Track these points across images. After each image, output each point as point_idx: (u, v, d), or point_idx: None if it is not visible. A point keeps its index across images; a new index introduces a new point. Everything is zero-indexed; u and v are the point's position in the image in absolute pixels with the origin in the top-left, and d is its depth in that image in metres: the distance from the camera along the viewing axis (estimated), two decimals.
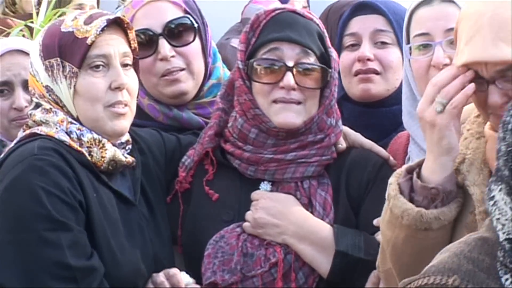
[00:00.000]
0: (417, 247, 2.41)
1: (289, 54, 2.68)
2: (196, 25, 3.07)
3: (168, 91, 3.10)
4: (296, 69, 2.68)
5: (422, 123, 2.42)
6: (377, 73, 3.09)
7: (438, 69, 2.77)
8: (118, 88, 2.71)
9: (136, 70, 2.84)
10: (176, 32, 3.10)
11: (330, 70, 2.75)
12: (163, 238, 2.83)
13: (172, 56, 3.09)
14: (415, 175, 2.41)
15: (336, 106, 2.86)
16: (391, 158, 2.79)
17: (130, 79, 2.75)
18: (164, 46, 3.08)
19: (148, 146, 2.89)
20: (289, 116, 2.69)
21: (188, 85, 3.07)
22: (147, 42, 3.10)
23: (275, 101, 2.69)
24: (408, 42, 2.90)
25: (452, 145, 2.39)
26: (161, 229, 2.83)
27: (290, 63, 2.66)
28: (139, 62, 2.92)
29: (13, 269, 2.55)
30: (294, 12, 2.82)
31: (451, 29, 2.69)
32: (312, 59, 2.70)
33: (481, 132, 2.48)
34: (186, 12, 3.12)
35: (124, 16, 3.14)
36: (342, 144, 2.81)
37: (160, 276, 2.68)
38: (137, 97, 3.03)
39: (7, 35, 4.87)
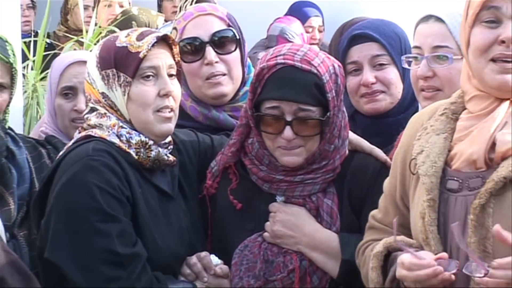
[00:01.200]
0: None
1: (287, 109, 2.67)
2: (237, 37, 3.12)
3: (210, 93, 3.13)
4: (294, 122, 2.67)
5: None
6: (381, 91, 3.08)
7: (422, 79, 2.80)
8: (166, 95, 2.74)
9: (179, 80, 2.84)
10: (220, 42, 3.14)
11: (327, 114, 2.70)
12: (197, 227, 2.85)
13: (216, 62, 3.12)
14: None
15: (346, 123, 2.84)
16: (388, 160, 2.75)
17: (175, 87, 2.78)
18: (210, 53, 3.11)
19: (184, 145, 2.90)
20: (291, 159, 2.71)
21: (228, 88, 3.12)
22: (195, 49, 3.14)
23: (279, 147, 2.70)
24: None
25: None
26: (195, 219, 2.85)
27: (289, 118, 2.66)
28: (181, 72, 2.95)
29: (69, 254, 2.57)
30: (293, 66, 2.75)
31: (438, 46, 2.77)
32: (309, 110, 2.67)
33: (442, 129, 2.46)
34: (229, 25, 3.17)
35: (176, 27, 3.25)
36: (346, 151, 2.80)
37: (193, 258, 2.70)
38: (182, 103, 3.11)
39: (61, 49, 4.93)
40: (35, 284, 2.49)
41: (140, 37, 2.76)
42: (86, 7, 6.03)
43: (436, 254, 2.36)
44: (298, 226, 2.72)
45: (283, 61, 2.75)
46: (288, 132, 2.67)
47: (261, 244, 2.75)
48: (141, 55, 2.72)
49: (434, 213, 2.41)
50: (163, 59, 2.78)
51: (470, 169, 2.40)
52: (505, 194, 2.32)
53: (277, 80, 2.72)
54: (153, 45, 2.75)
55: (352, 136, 2.83)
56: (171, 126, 2.78)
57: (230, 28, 3.16)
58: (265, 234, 2.73)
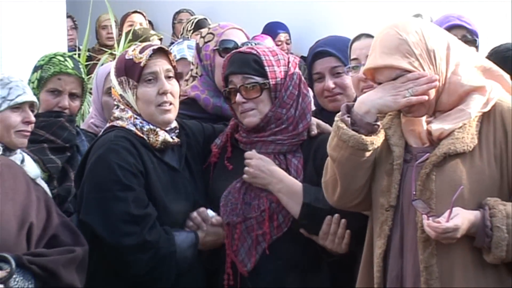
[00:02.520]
0: (355, 162, 2.39)
1: (236, 81, 2.73)
2: None
3: None
4: (241, 88, 2.72)
5: (386, 88, 2.38)
6: (339, 93, 3.04)
7: (362, 81, 2.78)
8: (164, 93, 2.73)
9: (178, 80, 2.84)
10: None
11: (265, 80, 2.71)
12: (200, 192, 2.83)
13: None
14: (358, 116, 2.37)
15: (306, 100, 2.79)
16: (336, 115, 2.65)
17: (172, 86, 2.78)
18: None
19: (192, 132, 2.89)
20: (248, 120, 2.73)
21: None
22: (233, 49, 3.03)
23: (240, 113, 2.74)
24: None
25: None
26: (199, 185, 2.83)
27: (238, 86, 2.72)
28: (180, 75, 2.95)
29: (96, 216, 2.62)
30: (240, 52, 2.83)
31: None
32: (251, 78, 2.71)
33: (397, 114, 2.45)
34: (247, 38, 3.21)
35: (212, 32, 3.19)
36: (314, 131, 2.78)
37: (194, 213, 2.72)
38: (197, 93, 3.12)
39: (98, 60, 4.99)
40: (82, 240, 2.48)
41: (142, 50, 2.77)
42: (104, 27, 6.05)
43: (392, 198, 2.37)
44: (269, 170, 2.70)
45: (236, 51, 2.85)
46: (239, 97, 2.71)
47: (240, 190, 2.74)
48: (142, 64, 2.72)
49: (398, 174, 2.39)
50: (160, 65, 2.76)
51: (417, 145, 2.41)
52: (445, 165, 2.32)
53: (230, 61, 2.79)
54: (151, 56, 2.74)
55: (321, 123, 2.83)
56: (170, 115, 2.78)
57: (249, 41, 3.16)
58: (244, 176, 2.72)
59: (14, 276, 2.24)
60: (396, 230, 2.39)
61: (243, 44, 3.03)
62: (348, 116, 2.39)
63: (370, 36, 2.76)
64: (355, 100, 2.59)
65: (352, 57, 2.80)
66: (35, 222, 2.37)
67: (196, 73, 3.19)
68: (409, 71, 2.32)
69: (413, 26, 2.38)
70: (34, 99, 2.87)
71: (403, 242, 2.37)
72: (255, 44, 3.06)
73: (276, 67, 2.74)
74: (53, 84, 3.12)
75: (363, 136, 2.34)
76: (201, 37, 3.23)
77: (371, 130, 2.37)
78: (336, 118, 2.42)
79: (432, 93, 2.35)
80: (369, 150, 2.37)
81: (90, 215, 2.63)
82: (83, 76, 3.23)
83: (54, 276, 2.33)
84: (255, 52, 2.76)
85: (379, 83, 2.41)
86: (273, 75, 2.72)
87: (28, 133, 2.82)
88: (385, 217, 2.40)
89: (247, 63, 2.74)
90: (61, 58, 3.20)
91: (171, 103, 2.76)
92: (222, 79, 2.84)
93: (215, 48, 3.10)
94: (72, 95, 3.16)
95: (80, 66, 3.25)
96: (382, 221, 2.41)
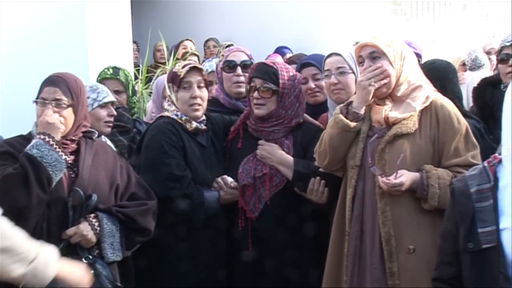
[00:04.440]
0: (341, 138, 2.42)
1: (258, 82, 2.69)
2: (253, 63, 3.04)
3: (236, 91, 3.01)
4: (259, 89, 2.69)
5: (359, 87, 2.41)
6: (318, 91, 2.98)
7: (333, 85, 2.72)
8: (194, 98, 2.73)
9: (207, 88, 2.81)
10: (245, 65, 3.02)
11: (277, 88, 2.68)
12: (221, 163, 2.80)
13: (242, 75, 3.00)
14: (350, 108, 2.42)
15: (301, 106, 2.77)
16: (321, 126, 2.75)
17: (201, 93, 2.76)
18: (239, 70, 3.02)
19: (216, 121, 2.86)
20: (258, 111, 2.70)
21: (244, 89, 2.93)
22: (232, 67, 3.03)
23: (254, 104, 2.72)
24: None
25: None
26: (220, 159, 2.81)
27: (257, 86, 2.69)
28: (210, 82, 2.90)
29: (150, 176, 2.61)
30: (265, 63, 2.82)
31: (339, 67, 2.70)
32: (268, 84, 2.68)
33: (370, 106, 2.43)
34: (249, 57, 3.10)
35: (223, 54, 3.14)
36: (301, 120, 2.77)
37: (218, 178, 2.70)
38: (216, 94, 3.09)
39: (154, 73, 5.03)
40: (152, 195, 2.49)
41: (183, 67, 2.77)
42: (159, 50, 6.04)
43: (357, 160, 2.40)
44: (273, 152, 2.68)
45: (262, 62, 2.86)
46: (256, 94, 2.69)
47: (253, 161, 2.72)
48: (181, 76, 2.73)
49: (362, 144, 2.41)
50: (194, 77, 2.74)
51: (378, 126, 2.40)
52: (394, 142, 2.33)
53: (256, 68, 2.76)
54: (188, 71, 2.73)
55: (305, 115, 2.81)
56: (198, 113, 2.75)
57: (250, 59, 3.09)
58: (257, 152, 2.71)
59: (105, 220, 2.32)
60: (360, 183, 2.42)
61: (242, 62, 3.02)
62: (345, 108, 2.44)
63: (338, 54, 2.73)
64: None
65: (325, 69, 2.76)
66: (120, 183, 2.42)
67: (216, 81, 3.17)
68: (384, 53, 2.34)
69: (399, 38, 2.44)
70: (114, 99, 2.90)
71: (364, 192, 2.40)
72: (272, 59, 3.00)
73: (287, 80, 2.71)
74: None
75: (349, 122, 2.39)
76: (218, 57, 3.24)
77: (356, 118, 2.40)
78: (336, 108, 2.47)
79: (393, 78, 2.36)
80: (351, 131, 2.41)
81: (145, 175, 2.62)
82: (120, 77, 3.25)
83: (133, 221, 2.38)
84: (275, 66, 2.75)
85: (359, 58, 2.43)
86: (283, 86, 2.70)
87: (111, 124, 2.85)
88: (352, 173, 2.43)
89: (268, 72, 2.71)
90: (105, 70, 3.32)
91: (199, 104, 2.75)
92: (247, 82, 2.81)
93: (221, 66, 3.07)
94: (116, 92, 3.19)
95: (120, 72, 3.29)
96: (351, 176, 2.44)
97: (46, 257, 1.78)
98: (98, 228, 2.30)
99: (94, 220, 2.30)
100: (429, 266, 1.97)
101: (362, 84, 2.38)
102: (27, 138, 2.34)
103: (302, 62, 3.12)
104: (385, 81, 2.36)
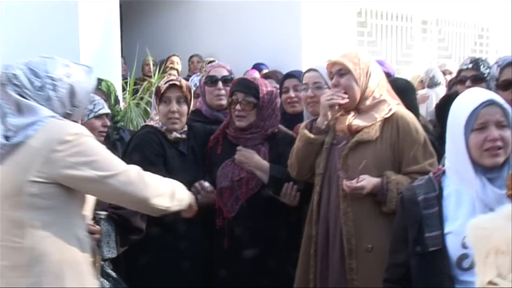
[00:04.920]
0: (306, 150, 2.44)
1: (239, 95, 2.69)
2: (232, 79, 3.04)
3: (217, 103, 3.00)
4: (241, 102, 2.68)
5: (322, 105, 2.43)
6: (297, 102, 3.01)
7: (309, 98, 2.71)
8: (172, 112, 2.67)
9: (188, 104, 2.74)
10: (225, 79, 3.01)
11: (257, 102, 2.66)
12: (201, 170, 2.76)
13: (222, 89, 2.99)
14: (314, 123, 2.44)
15: (276, 117, 2.75)
16: (294, 135, 2.73)
17: (180, 108, 2.70)
18: (220, 85, 3.00)
19: (198, 130, 2.83)
20: (239, 123, 2.69)
21: (225, 102, 2.93)
22: (214, 81, 3.01)
23: (236, 116, 2.71)
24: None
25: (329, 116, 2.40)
26: (200, 166, 2.77)
27: (239, 100, 2.68)
28: (191, 100, 2.78)
29: None
30: (246, 78, 2.85)
31: (315, 82, 2.70)
32: (249, 98, 2.68)
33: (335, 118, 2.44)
34: (229, 73, 3.09)
35: (205, 69, 3.12)
36: (276, 130, 2.76)
37: (196, 183, 2.63)
38: (198, 106, 3.05)
39: (141, 85, 5.02)
40: None
41: (165, 82, 2.73)
42: (147, 65, 6.00)
43: (321, 168, 2.40)
44: (250, 157, 2.67)
45: (243, 77, 2.88)
46: (238, 106, 2.68)
47: (231, 165, 2.71)
48: (162, 91, 2.69)
49: (325, 153, 2.43)
50: (174, 93, 2.69)
51: (342, 135, 2.41)
52: (357, 149, 2.34)
53: (237, 82, 2.77)
54: (168, 87, 2.68)
55: (280, 126, 2.81)
56: (176, 126, 2.70)
57: (230, 75, 3.08)
58: (235, 157, 2.69)
59: (102, 222, 2.33)
60: (324, 189, 2.43)
61: (223, 77, 3.01)
62: (310, 123, 2.47)
63: (315, 70, 2.74)
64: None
65: (303, 82, 2.77)
66: None
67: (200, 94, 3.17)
68: (350, 71, 2.35)
69: (368, 57, 2.44)
70: (109, 111, 2.84)
71: (330, 196, 2.40)
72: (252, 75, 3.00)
73: (266, 95, 2.71)
74: None
75: (311, 135, 2.42)
76: (205, 70, 3.23)
77: (319, 132, 2.43)
78: (302, 125, 2.50)
79: (357, 93, 2.36)
80: (314, 144, 2.42)
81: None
82: (102, 88, 3.16)
83: (127, 221, 2.39)
84: (256, 82, 2.77)
85: (330, 74, 2.44)
86: (262, 100, 2.70)
87: (105, 133, 2.78)
88: (317, 180, 2.45)
89: (249, 87, 2.70)
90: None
91: (177, 118, 2.70)
92: (229, 95, 2.80)
93: (204, 80, 3.07)
94: None
95: (102, 83, 3.19)
96: (316, 183, 2.46)
97: (184, 190, 2.04)
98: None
99: (92, 222, 2.24)
100: (385, 264, 1.98)
101: (323, 103, 2.41)
102: None
103: (286, 74, 3.16)
104: (344, 101, 2.37)
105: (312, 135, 2.42)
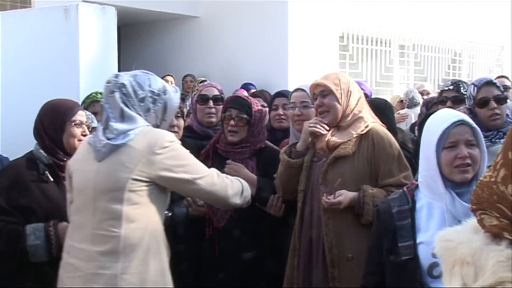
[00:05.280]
0: (287, 173, 2.45)
1: (233, 112, 2.68)
2: (223, 98, 3.03)
3: (208, 120, 2.96)
4: (235, 119, 2.68)
5: (303, 130, 2.45)
6: (284, 119, 3.04)
7: (296, 116, 2.71)
8: (172, 126, 2.60)
9: (183, 118, 2.76)
10: (216, 98, 2.99)
11: (249, 118, 2.66)
12: None
13: (213, 107, 2.97)
14: (293, 148, 2.47)
15: (264, 134, 2.74)
16: (280, 150, 2.69)
17: (178, 122, 2.70)
18: (211, 103, 2.97)
19: (190, 145, 2.68)
20: (232, 138, 2.68)
21: (216, 119, 2.94)
22: (205, 100, 2.98)
23: (229, 131, 2.70)
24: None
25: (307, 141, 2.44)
26: None
27: (233, 116, 2.68)
28: (183, 115, 2.80)
29: None
30: (240, 96, 2.87)
31: (303, 101, 2.68)
32: (242, 115, 2.67)
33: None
34: (220, 92, 3.04)
35: (197, 89, 3.07)
36: (263, 145, 2.76)
37: (188, 198, 2.52)
38: (190, 122, 3.01)
39: None
40: None
41: None
42: None
43: (302, 185, 2.40)
44: (239, 170, 2.64)
45: (237, 95, 2.89)
46: (232, 122, 2.67)
47: None
48: None
49: (305, 171, 2.43)
50: None
51: (321, 152, 2.42)
52: (335, 164, 2.34)
53: (231, 100, 2.78)
54: None
55: (267, 142, 2.82)
56: (176, 136, 2.59)
57: (221, 94, 3.05)
58: (225, 170, 2.62)
59: None
60: (307, 205, 2.43)
61: (213, 96, 3.00)
62: (289, 148, 2.50)
63: (303, 90, 2.74)
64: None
65: (291, 101, 2.78)
66: None
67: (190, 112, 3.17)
68: (332, 91, 2.36)
69: (347, 78, 2.45)
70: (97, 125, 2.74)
71: (312, 210, 2.40)
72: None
73: (257, 113, 2.72)
74: (93, 108, 3.13)
75: (290, 159, 2.44)
76: (197, 89, 3.24)
77: (297, 156, 2.45)
78: (282, 150, 2.52)
79: (339, 111, 2.37)
80: (294, 167, 2.43)
81: None
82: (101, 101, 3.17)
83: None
84: (249, 100, 2.78)
85: (314, 95, 2.46)
86: (254, 117, 2.69)
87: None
88: (299, 197, 2.45)
89: (243, 104, 2.69)
90: (94, 94, 3.19)
91: (176, 132, 2.66)
92: (222, 111, 2.79)
93: (195, 99, 3.05)
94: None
95: (99, 96, 3.12)
96: (298, 199, 2.47)
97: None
98: None
99: None
100: None
101: (305, 129, 2.44)
102: (32, 159, 2.22)
103: (277, 92, 3.20)
104: (324, 132, 2.40)
105: (291, 160, 2.43)
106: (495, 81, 2.92)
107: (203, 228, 2.69)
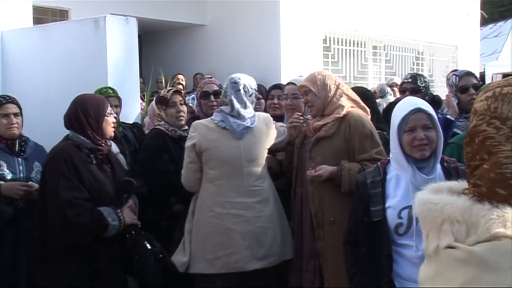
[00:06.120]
0: (287, 157, 2.48)
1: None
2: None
3: (211, 112, 2.70)
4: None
5: (287, 128, 2.47)
6: (278, 108, 3.01)
7: (289, 105, 2.69)
8: (179, 112, 2.65)
9: (186, 105, 2.74)
10: (216, 93, 2.87)
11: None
12: None
13: (214, 101, 2.86)
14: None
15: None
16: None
17: (183, 108, 2.68)
18: (212, 98, 2.88)
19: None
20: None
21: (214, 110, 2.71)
22: (207, 95, 2.89)
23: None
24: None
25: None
26: None
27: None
28: (185, 103, 2.76)
29: (148, 170, 2.56)
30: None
31: (294, 93, 2.63)
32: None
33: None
34: (219, 87, 2.87)
35: (200, 86, 2.96)
36: None
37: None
38: (197, 112, 2.94)
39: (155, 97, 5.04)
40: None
41: (168, 91, 2.72)
42: (160, 82, 5.85)
43: (295, 162, 2.37)
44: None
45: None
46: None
47: None
48: (168, 98, 2.66)
49: (297, 151, 2.42)
50: (177, 98, 2.68)
51: (309, 134, 2.41)
52: (318, 144, 2.31)
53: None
54: (172, 94, 2.67)
55: None
56: (182, 122, 2.67)
57: (220, 89, 2.93)
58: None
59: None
60: (299, 179, 2.43)
61: (213, 91, 2.88)
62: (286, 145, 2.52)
63: (294, 83, 2.69)
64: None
65: (284, 93, 2.75)
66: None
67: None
68: (311, 89, 2.32)
69: (324, 74, 2.38)
70: (116, 116, 2.69)
71: (302, 183, 2.40)
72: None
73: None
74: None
75: (287, 147, 2.50)
76: (199, 86, 3.16)
77: (289, 144, 2.50)
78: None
79: (319, 104, 2.32)
80: (289, 152, 2.46)
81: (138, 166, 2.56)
82: (118, 95, 3.04)
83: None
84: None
85: (301, 93, 2.42)
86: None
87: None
88: (293, 173, 2.45)
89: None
90: (105, 89, 3.03)
91: (183, 116, 2.70)
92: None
93: (199, 95, 2.94)
94: (116, 106, 2.97)
95: (116, 92, 3.05)
96: (293, 175, 2.46)
97: None
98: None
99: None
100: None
101: (288, 126, 2.51)
102: (74, 145, 2.17)
103: (274, 85, 3.20)
104: (300, 121, 2.45)
105: (288, 147, 2.50)
106: (471, 71, 2.89)
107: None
